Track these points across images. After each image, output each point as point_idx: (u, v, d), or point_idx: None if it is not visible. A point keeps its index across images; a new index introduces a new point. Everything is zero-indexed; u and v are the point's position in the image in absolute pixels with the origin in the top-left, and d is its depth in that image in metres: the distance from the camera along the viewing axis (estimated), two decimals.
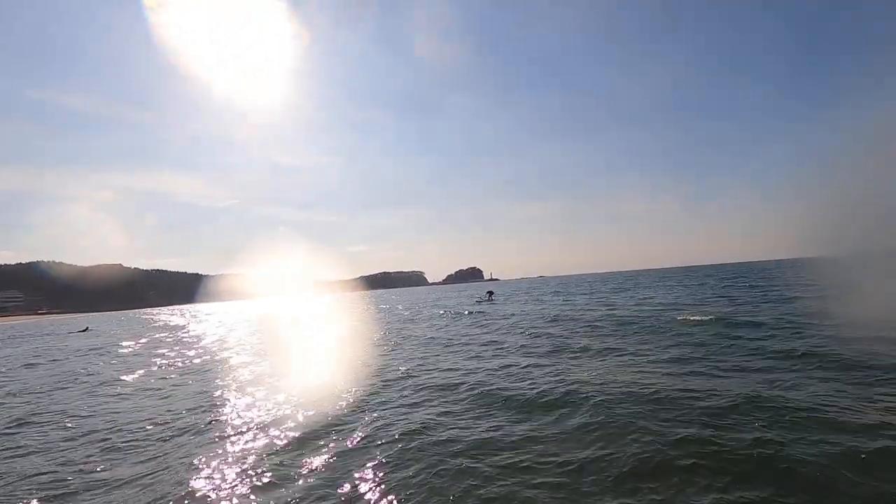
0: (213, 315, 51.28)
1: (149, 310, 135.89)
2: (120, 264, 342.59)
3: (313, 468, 5.59)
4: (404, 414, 7.41)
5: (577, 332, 15.59)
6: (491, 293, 44.66)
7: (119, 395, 11.17)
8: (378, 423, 6.99)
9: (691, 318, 15.88)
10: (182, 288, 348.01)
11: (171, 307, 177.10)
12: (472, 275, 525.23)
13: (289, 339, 20.71)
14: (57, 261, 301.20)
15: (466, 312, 28.37)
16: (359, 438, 6.39)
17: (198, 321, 43.89)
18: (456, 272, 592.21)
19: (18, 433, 8.34)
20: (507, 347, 13.81)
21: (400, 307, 43.84)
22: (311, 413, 7.68)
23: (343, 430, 6.83)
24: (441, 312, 30.48)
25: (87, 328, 48.77)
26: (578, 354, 11.68)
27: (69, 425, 8.58)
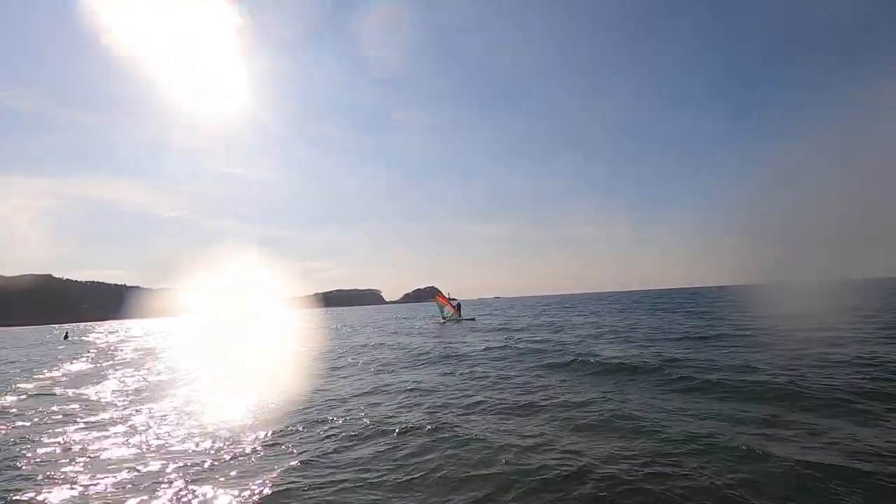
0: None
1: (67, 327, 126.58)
2: (49, 275, 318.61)
3: None
4: None
5: None
6: (459, 306, 36.99)
7: None
8: None
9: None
10: (119, 301, 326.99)
11: (103, 322, 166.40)
12: (430, 294, 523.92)
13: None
14: None
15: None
16: None
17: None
18: (413, 291, 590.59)
19: None
20: None
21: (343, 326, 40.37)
22: None
23: None
24: None
25: (66, 334, 48.51)
26: None
27: None
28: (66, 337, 45.23)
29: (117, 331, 62.87)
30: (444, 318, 36.52)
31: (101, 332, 58.38)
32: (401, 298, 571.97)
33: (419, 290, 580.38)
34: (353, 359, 16.47)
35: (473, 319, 36.92)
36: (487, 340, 19.23)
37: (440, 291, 38.08)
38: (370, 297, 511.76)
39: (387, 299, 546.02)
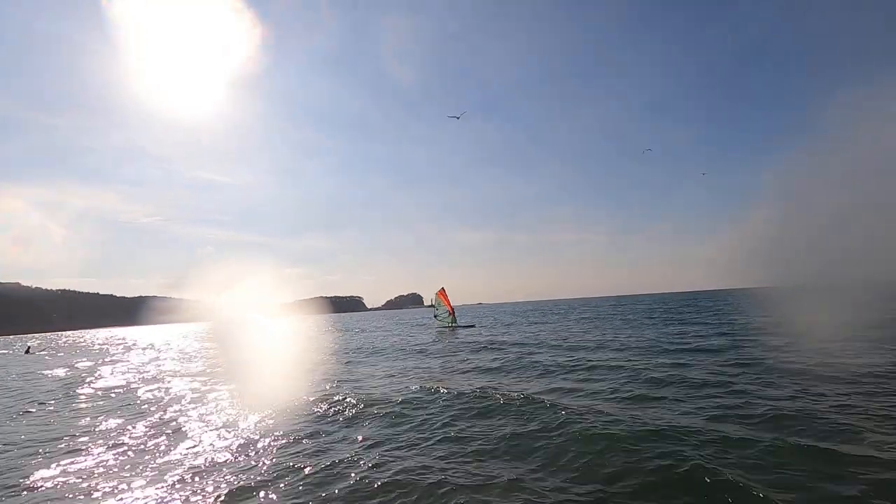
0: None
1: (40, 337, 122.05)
2: (18, 283, 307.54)
3: None
4: None
5: None
6: (453, 312, 34.13)
7: None
8: None
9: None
10: (92, 311, 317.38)
11: (75, 332, 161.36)
12: (412, 300, 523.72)
13: None
14: None
15: None
16: None
17: None
18: (396, 297, 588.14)
19: None
20: None
21: None
22: None
23: None
24: None
25: (28, 348, 44.66)
26: None
27: None
28: (27, 351, 40.97)
29: (57, 345, 60.85)
30: (436, 317, 34.71)
31: (42, 345, 54.41)
32: (383, 305, 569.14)
33: (402, 296, 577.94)
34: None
35: (473, 326, 34.03)
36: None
37: (422, 302, 35.91)
38: (353, 304, 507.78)
39: (369, 306, 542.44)
